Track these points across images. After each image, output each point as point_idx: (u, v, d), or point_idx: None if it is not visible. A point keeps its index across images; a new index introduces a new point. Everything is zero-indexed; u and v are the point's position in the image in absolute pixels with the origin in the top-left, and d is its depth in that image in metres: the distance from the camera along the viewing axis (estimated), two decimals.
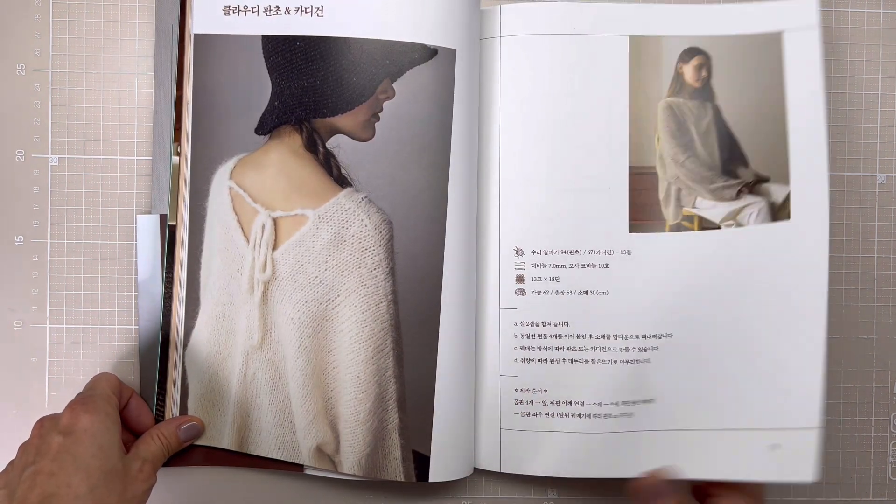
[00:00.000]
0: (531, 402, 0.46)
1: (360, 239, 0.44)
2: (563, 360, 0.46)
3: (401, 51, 0.44)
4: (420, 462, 0.44)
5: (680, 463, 0.44)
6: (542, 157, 0.46)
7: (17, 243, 0.47)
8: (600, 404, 0.45)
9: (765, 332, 0.45)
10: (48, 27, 0.47)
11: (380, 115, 0.44)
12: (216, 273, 0.46)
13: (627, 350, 0.45)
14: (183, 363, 0.46)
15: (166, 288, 0.46)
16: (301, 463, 0.45)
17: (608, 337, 0.45)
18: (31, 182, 0.47)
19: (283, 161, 0.45)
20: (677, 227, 0.46)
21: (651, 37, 0.46)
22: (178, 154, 0.46)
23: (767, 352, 0.45)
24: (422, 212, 0.44)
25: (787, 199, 0.45)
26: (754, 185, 0.45)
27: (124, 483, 0.38)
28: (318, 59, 0.44)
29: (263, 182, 0.45)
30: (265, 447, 0.45)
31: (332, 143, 0.45)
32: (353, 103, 0.44)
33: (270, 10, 0.45)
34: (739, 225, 0.45)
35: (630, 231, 0.46)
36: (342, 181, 0.44)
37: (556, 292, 0.46)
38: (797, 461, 0.43)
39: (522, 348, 0.46)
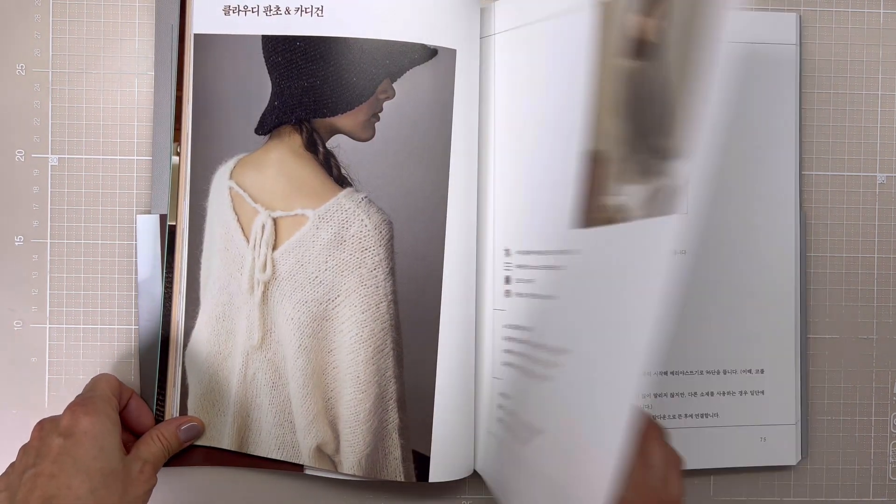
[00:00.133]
0: (504, 407, 0.44)
1: (360, 239, 0.44)
2: (524, 371, 0.42)
3: (401, 51, 0.44)
4: (420, 462, 0.44)
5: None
6: (527, 151, 0.44)
7: (17, 243, 0.47)
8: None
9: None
10: (48, 27, 0.47)
11: (380, 115, 0.44)
12: (216, 273, 0.45)
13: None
14: (183, 363, 0.46)
15: (166, 288, 0.46)
16: (301, 463, 0.45)
17: (561, 351, 0.37)
18: (31, 182, 0.47)
19: (283, 161, 0.45)
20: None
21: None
22: (178, 154, 0.46)
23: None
24: (422, 212, 0.44)
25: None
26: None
27: (125, 484, 0.38)
28: (318, 59, 0.44)
29: (263, 182, 0.45)
30: (265, 447, 0.45)
31: (332, 143, 0.45)
32: (353, 103, 0.44)
33: (270, 10, 0.45)
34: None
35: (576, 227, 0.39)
36: (342, 181, 0.44)
37: (531, 295, 0.43)
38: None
39: (506, 352, 0.45)
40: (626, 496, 0.35)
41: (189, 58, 0.45)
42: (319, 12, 0.45)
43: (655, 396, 0.46)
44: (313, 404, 0.45)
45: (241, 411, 0.45)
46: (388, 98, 0.44)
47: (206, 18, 0.45)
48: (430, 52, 0.44)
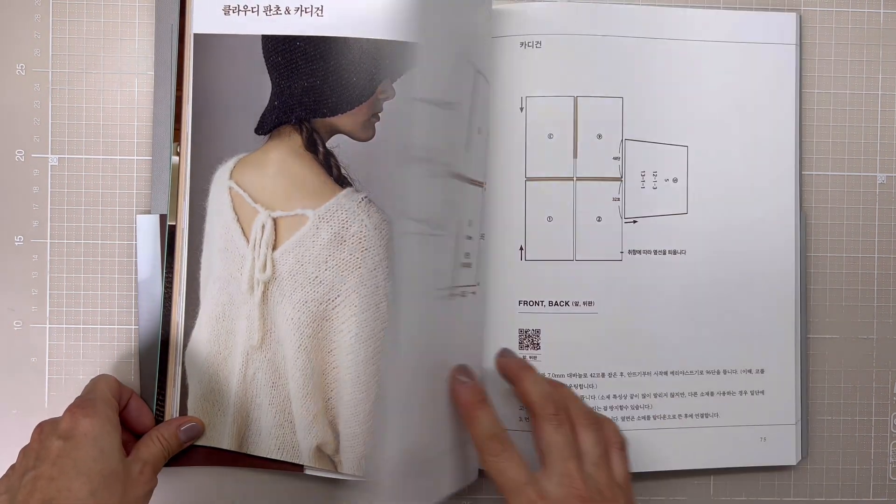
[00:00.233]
0: None
1: (360, 239, 0.44)
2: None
3: (401, 51, 0.44)
4: None
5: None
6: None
7: (17, 243, 0.47)
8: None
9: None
10: (48, 27, 0.47)
11: (380, 115, 0.44)
12: (216, 273, 0.45)
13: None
14: (183, 363, 0.46)
15: (166, 288, 0.46)
16: (301, 463, 0.45)
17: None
18: (31, 182, 0.47)
19: (283, 161, 0.45)
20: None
21: None
22: (178, 154, 0.46)
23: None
24: None
25: None
26: None
27: (125, 486, 0.38)
28: (318, 58, 0.44)
29: (263, 182, 0.45)
30: (265, 447, 0.45)
31: (332, 143, 0.45)
32: (353, 103, 0.44)
33: (270, 10, 0.45)
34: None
35: None
36: (342, 181, 0.44)
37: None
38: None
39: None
40: (550, 491, 0.36)
41: (189, 58, 0.45)
42: (319, 12, 0.45)
43: (655, 396, 0.46)
44: (313, 404, 0.45)
45: (241, 411, 0.45)
46: (387, 98, 0.44)
47: (205, 18, 0.45)
48: None
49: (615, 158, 0.46)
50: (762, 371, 0.47)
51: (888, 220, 0.49)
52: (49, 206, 0.47)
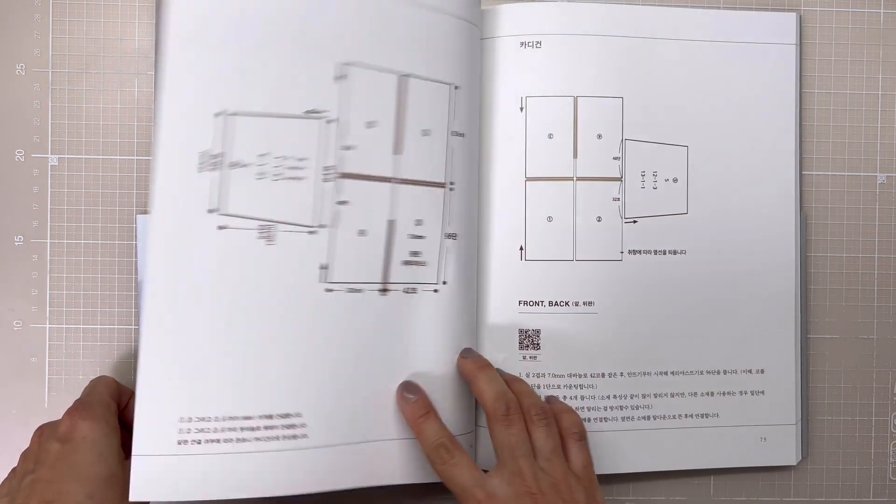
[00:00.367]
0: None
1: None
2: None
3: None
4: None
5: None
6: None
7: (17, 243, 0.47)
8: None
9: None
10: (48, 27, 0.47)
11: None
12: None
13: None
14: None
15: None
16: None
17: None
18: (31, 182, 0.47)
19: None
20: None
21: None
22: None
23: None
24: None
25: None
26: None
27: (124, 488, 0.38)
28: None
29: None
30: None
31: None
32: None
33: None
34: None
35: None
36: None
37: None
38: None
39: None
40: (499, 491, 0.36)
41: None
42: None
43: (655, 396, 0.46)
44: None
45: None
46: None
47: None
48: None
49: (615, 158, 0.46)
50: (762, 371, 0.47)
51: (888, 220, 0.49)
52: (49, 206, 0.47)
